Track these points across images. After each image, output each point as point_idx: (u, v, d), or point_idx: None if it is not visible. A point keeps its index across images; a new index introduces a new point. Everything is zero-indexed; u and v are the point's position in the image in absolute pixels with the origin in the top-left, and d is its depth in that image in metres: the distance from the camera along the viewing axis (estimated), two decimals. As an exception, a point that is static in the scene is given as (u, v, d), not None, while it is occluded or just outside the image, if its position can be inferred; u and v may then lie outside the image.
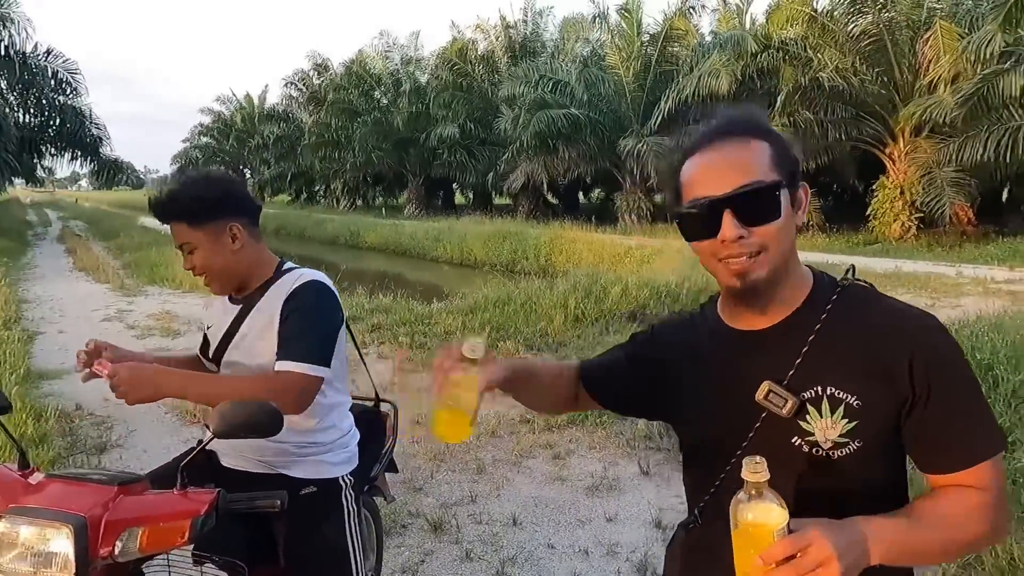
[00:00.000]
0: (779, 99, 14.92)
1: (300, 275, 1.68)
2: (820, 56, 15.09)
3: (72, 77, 20.36)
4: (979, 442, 0.90)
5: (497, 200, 30.49)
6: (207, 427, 1.33)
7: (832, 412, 0.91)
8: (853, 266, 1.02)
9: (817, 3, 15.73)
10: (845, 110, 15.14)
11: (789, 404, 0.92)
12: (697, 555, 1.07)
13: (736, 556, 0.81)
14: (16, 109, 19.88)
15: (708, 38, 19.98)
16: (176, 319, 8.07)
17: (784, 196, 0.92)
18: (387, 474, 2.35)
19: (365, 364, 2.47)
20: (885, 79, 14.91)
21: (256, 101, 43.48)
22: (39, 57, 19.64)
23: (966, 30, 13.39)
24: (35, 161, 22.04)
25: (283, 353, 1.55)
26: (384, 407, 2.35)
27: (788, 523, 0.78)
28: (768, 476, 0.79)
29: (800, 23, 15.89)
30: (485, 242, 17.44)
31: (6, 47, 18.47)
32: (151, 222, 31.17)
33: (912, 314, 0.94)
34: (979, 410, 0.91)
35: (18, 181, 25.60)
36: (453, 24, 29.97)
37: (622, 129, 19.10)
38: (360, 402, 2.21)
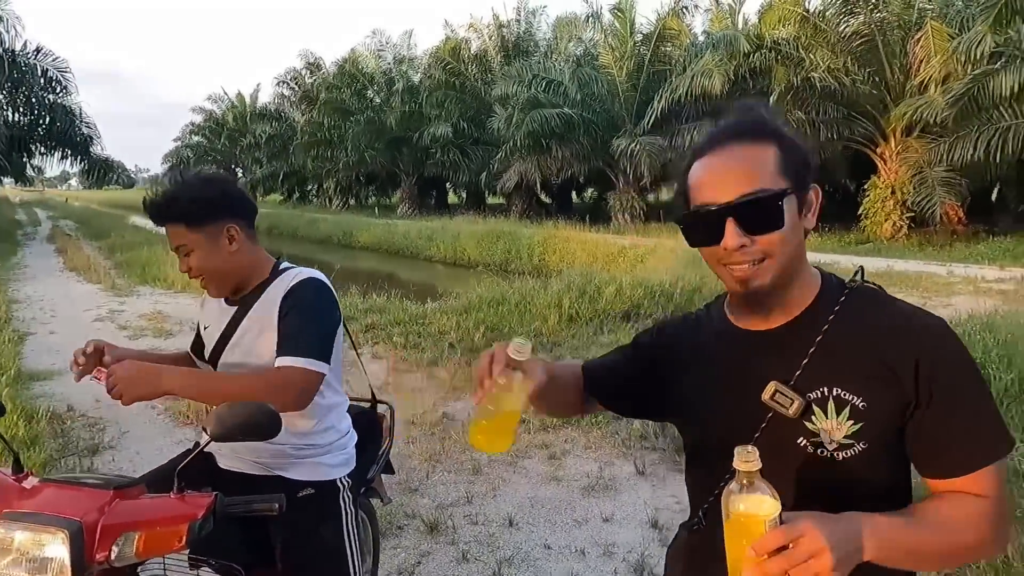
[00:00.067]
0: (771, 99, 14.96)
1: (297, 273, 1.68)
2: (812, 56, 15.15)
3: (62, 75, 20.21)
4: (979, 447, 0.89)
5: (490, 200, 30.47)
6: (204, 430, 1.32)
7: (838, 413, 0.91)
8: (862, 267, 1.02)
9: (809, 3, 15.79)
10: (837, 110, 15.21)
11: (795, 405, 0.92)
12: (701, 556, 1.06)
13: (728, 547, 0.81)
14: (5, 108, 19.72)
15: (701, 38, 20.02)
16: (168, 319, 8.01)
17: (789, 203, 0.91)
18: (383, 475, 2.34)
19: (362, 364, 2.46)
20: (876, 79, 14.99)
21: (248, 100, 43.27)
22: (29, 55, 19.47)
23: (956, 31, 13.47)
24: (24, 160, 21.86)
25: (283, 350, 1.53)
26: (380, 408, 2.34)
27: (780, 514, 0.78)
28: (760, 465, 0.79)
29: (792, 23, 15.93)
30: (478, 242, 17.43)
31: (-5, 45, 18.32)
32: (142, 221, 30.97)
33: (920, 316, 0.94)
34: (982, 415, 0.90)
35: (7, 180, 25.36)
36: (446, 23, 29.93)
37: (615, 129, 19.12)
38: (356, 403, 2.20)
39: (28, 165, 23.25)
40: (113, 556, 1.18)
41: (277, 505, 1.31)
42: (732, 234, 0.90)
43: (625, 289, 8.15)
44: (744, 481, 0.79)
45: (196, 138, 45.91)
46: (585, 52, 22.99)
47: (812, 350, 0.94)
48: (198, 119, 45.54)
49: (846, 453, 0.91)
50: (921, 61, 13.62)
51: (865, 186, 15.45)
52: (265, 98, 41.70)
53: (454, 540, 3.02)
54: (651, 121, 17.97)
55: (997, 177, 14.61)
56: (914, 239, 14.69)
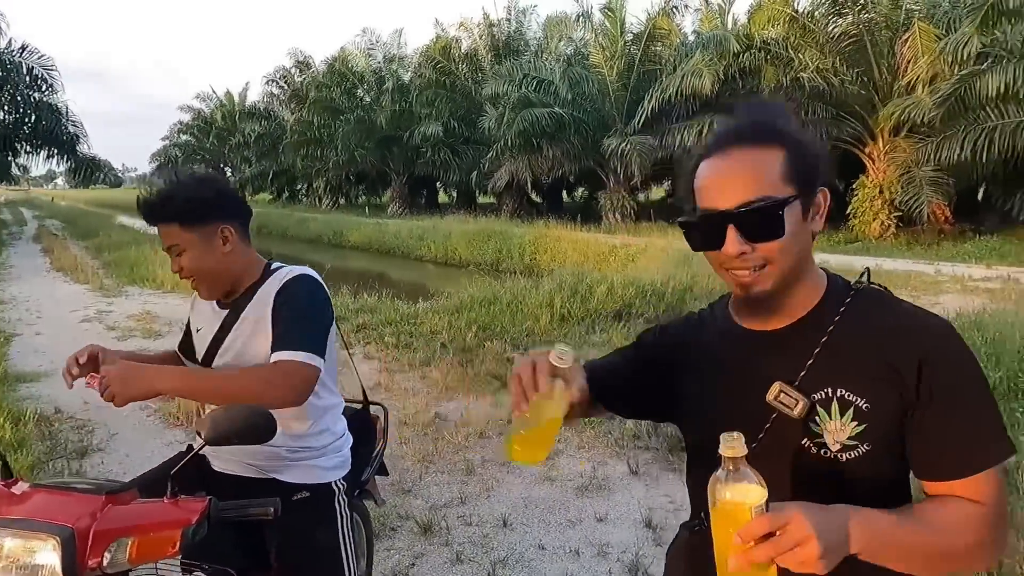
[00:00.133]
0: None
1: (290, 271, 1.67)
2: (801, 56, 15.24)
3: (48, 73, 19.98)
4: (977, 451, 0.88)
5: (481, 199, 30.43)
6: (198, 434, 1.30)
7: (842, 414, 0.91)
8: (868, 269, 1.01)
9: (798, 4, 15.88)
10: (825, 110, 15.30)
11: (800, 405, 0.92)
12: (702, 556, 1.06)
13: (715, 535, 0.80)
14: (-10, 106, 19.49)
15: (691, 38, 20.09)
16: (157, 320, 7.95)
17: (792, 210, 0.91)
18: (376, 477, 2.33)
19: (354, 365, 2.45)
20: (865, 79, 15.09)
21: (237, 99, 42.98)
22: (13, 53, 19.22)
23: (944, 31, 13.59)
24: (9, 159, 21.61)
25: (278, 344, 1.51)
26: (373, 409, 2.33)
27: (767, 502, 0.78)
28: (746, 451, 0.79)
29: (781, 23, 16.02)
30: (469, 241, 17.41)
31: (-21, 43, 18.10)
32: (130, 221, 30.76)
33: (924, 318, 0.93)
34: (983, 418, 0.89)
35: (-8, 179, 25.07)
36: (437, 22, 29.84)
37: (606, 128, 19.14)
38: (349, 405, 2.18)
39: (13, 164, 23.00)
40: (105, 563, 1.16)
41: (272, 509, 1.30)
42: (732, 241, 0.90)
43: (616, 288, 8.17)
44: (730, 467, 0.79)
45: (184, 137, 45.58)
46: (575, 51, 22.99)
47: (817, 351, 0.94)
48: (186, 118, 45.23)
49: (849, 454, 0.91)
50: (909, 61, 13.73)
51: (854, 185, 15.56)
52: (254, 97, 41.59)
53: (448, 541, 3.01)
54: (641, 120, 18.00)
55: (983, 177, 14.74)
56: (902, 238, 14.81)
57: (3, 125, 19.68)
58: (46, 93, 20.32)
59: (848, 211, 15.55)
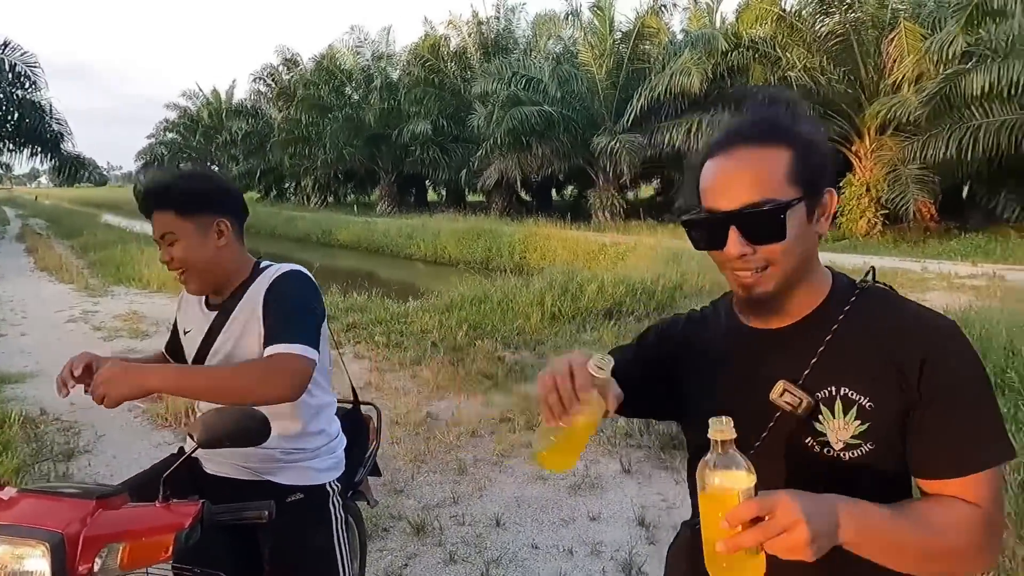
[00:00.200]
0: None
1: (279, 268, 1.65)
2: (788, 55, 15.34)
3: (31, 70, 19.72)
4: (975, 451, 0.87)
5: (470, 197, 30.39)
6: (190, 436, 1.28)
7: (845, 413, 0.90)
8: (873, 268, 1.01)
9: (785, 3, 15.97)
10: (813, 108, 15.36)
11: (804, 404, 0.91)
12: None
13: (703, 520, 0.80)
14: (-29, 104, 19.21)
15: (679, 36, 20.15)
16: (144, 320, 7.87)
17: (796, 213, 0.90)
18: (369, 477, 2.31)
19: (344, 365, 2.43)
20: (851, 78, 15.20)
21: (223, 96, 42.62)
22: (-5, 50, 18.98)
23: (929, 31, 13.71)
24: (-8, 157, 21.33)
25: (272, 338, 1.47)
26: (365, 409, 2.31)
27: (755, 486, 0.77)
28: (734, 435, 0.78)
29: (769, 22, 16.10)
30: (459, 239, 17.38)
31: (-40, 39, 17.83)
32: (115, 220, 30.47)
33: (929, 317, 0.93)
34: (982, 419, 0.88)
35: (-26, 178, 24.70)
36: (425, 20, 29.75)
37: (595, 126, 19.16)
38: (340, 405, 2.16)
39: (-4, 162, 22.70)
40: (96, 569, 1.13)
41: (267, 512, 1.28)
42: (734, 243, 0.90)
43: (607, 287, 8.19)
44: (719, 451, 0.79)
45: (171, 135, 45.12)
46: (564, 50, 23.00)
47: (821, 349, 0.93)
48: (172, 115, 44.78)
49: (852, 453, 0.91)
50: (895, 60, 13.84)
51: (840, 184, 15.67)
52: (241, 94, 41.22)
53: (441, 541, 2.99)
54: (631, 119, 18.04)
55: (968, 175, 14.90)
56: (888, 236, 14.93)
57: (-15, 123, 19.42)
58: (29, 90, 20.07)
59: (835, 209, 15.64)
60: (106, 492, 1.25)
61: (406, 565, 2.83)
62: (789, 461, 0.91)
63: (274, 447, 1.56)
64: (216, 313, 1.64)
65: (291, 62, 33.32)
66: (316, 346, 1.49)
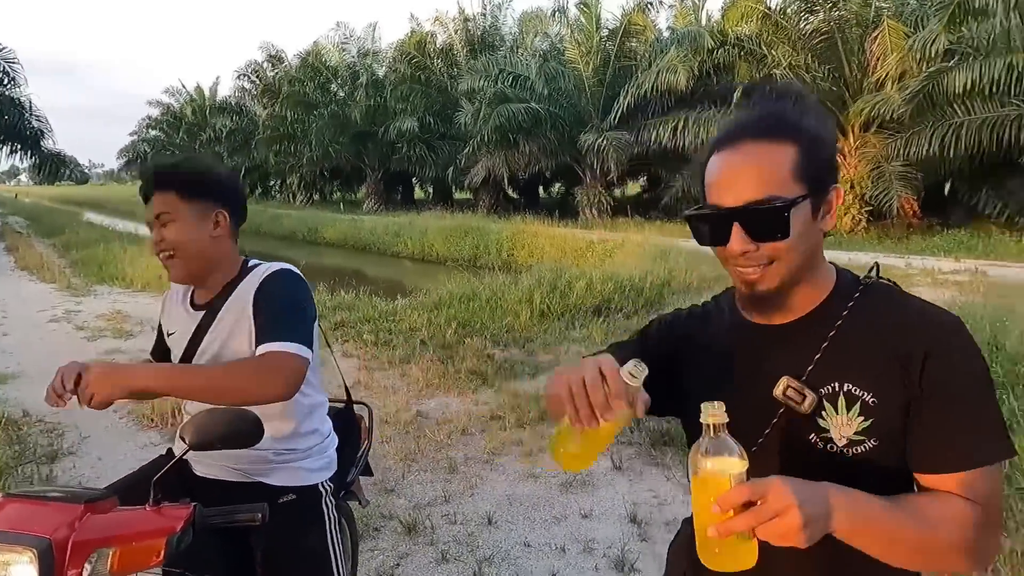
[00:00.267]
0: (735, 95, 15.19)
1: (269, 267, 1.63)
2: (774, 53, 15.42)
3: (9, 66, 19.42)
4: (972, 447, 0.86)
5: (457, 195, 30.30)
6: (182, 438, 1.25)
7: (848, 409, 0.90)
8: (877, 264, 1.01)
9: (770, 1, 16.06)
10: (797, 106, 15.48)
11: (808, 400, 0.91)
12: None
13: (694, 505, 0.80)
14: (-52, 100, 18.88)
15: (666, 34, 20.19)
16: (128, 319, 7.77)
17: (800, 210, 0.89)
18: (361, 477, 2.29)
19: (337, 364, 2.41)
20: (836, 76, 15.31)
21: (207, 93, 42.16)
22: (-27, 45, 18.64)
23: (912, 29, 13.84)
24: (-30, 155, 20.97)
25: (264, 336, 1.45)
26: (357, 408, 2.28)
27: (747, 471, 0.77)
28: (727, 419, 0.78)
29: (754, 20, 16.17)
30: (446, 237, 17.33)
31: (-64, 34, 17.50)
32: (97, 218, 30.08)
33: (933, 313, 0.92)
34: (982, 416, 0.87)
35: (-49, 176, 24.31)
36: (412, 16, 29.58)
37: (582, 124, 19.17)
38: (332, 404, 2.14)
39: (-26, 160, 22.34)
40: (85, 575, 1.11)
41: (260, 514, 1.26)
42: (737, 240, 0.89)
43: (595, 284, 8.20)
44: (711, 435, 0.79)
45: (153, 132, 44.57)
46: (551, 47, 22.98)
47: (825, 345, 0.93)
48: (155, 113, 44.24)
49: (856, 449, 0.90)
50: (878, 59, 13.95)
51: (826, 180, 15.77)
52: (225, 91, 40.77)
53: (433, 540, 2.98)
54: (617, 116, 18.06)
55: (950, 172, 15.06)
56: (872, 232, 15.07)
57: (-37, 120, 19.09)
58: (8, 87, 19.76)
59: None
60: (94, 496, 1.22)
61: (398, 565, 2.82)
62: (792, 457, 0.91)
63: (266, 448, 1.54)
64: (203, 313, 1.61)
65: (276, 59, 33.01)
66: (309, 345, 1.47)
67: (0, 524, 1.13)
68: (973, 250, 12.47)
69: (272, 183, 38.98)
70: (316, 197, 34.21)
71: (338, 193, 35.60)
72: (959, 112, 12.88)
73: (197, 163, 1.63)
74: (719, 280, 9.37)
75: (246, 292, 1.57)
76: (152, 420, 4.39)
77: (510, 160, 20.29)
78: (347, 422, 2.10)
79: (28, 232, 23.29)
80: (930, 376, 0.87)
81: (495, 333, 6.65)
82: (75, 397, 1.36)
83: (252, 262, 1.68)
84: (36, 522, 1.13)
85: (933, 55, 12.71)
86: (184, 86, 43.78)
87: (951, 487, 0.86)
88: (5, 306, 8.77)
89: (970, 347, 0.89)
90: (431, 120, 24.45)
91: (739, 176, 0.90)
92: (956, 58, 12.90)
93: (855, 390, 0.90)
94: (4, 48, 19.26)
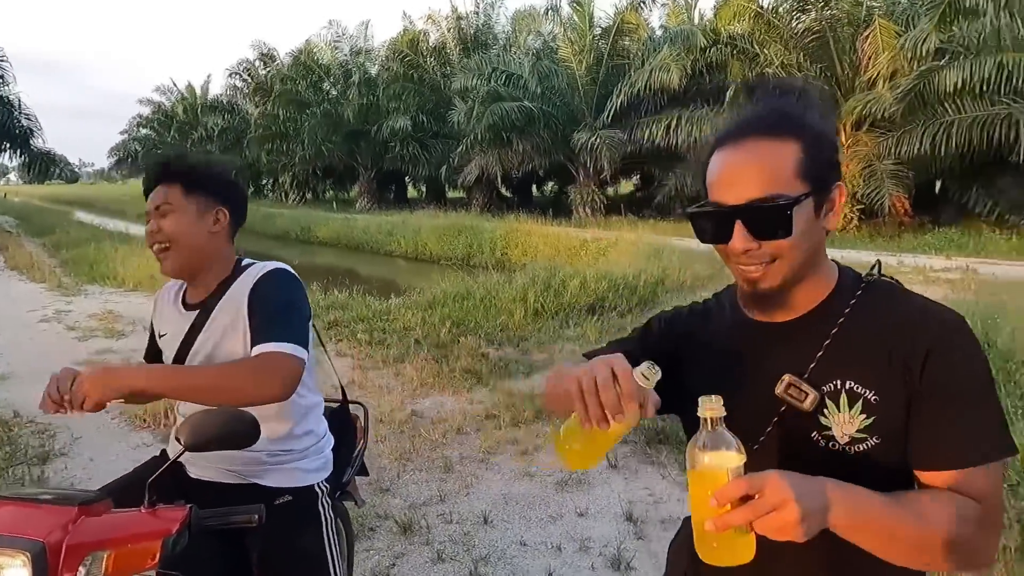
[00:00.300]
0: (728, 94, 15.24)
1: (263, 266, 1.61)
2: (766, 52, 15.47)
3: (-2, 64, 19.26)
4: (973, 445, 0.85)
5: (450, 194, 30.25)
6: (177, 439, 1.24)
7: (850, 407, 0.90)
8: (879, 261, 1.00)
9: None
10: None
11: (810, 398, 0.90)
12: None
13: (692, 499, 0.79)
14: (-64, 98, 18.70)
15: (658, 32, 20.23)
16: (120, 319, 7.72)
17: (803, 208, 0.89)
18: (357, 477, 2.28)
19: (332, 363, 2.40)
20: (828, 75, 15.36)
21: (199, 92, 41.93)
22: (-40, 43, 18.49)
23: (903, 28, 13.91)
24: (-42, 154, 20.81)
25: (260, 336, 1.44)
26: (352, 408, 2.27)
27: (744, 465, 0.77)
28: (724, 412, 0.78)
29: (747, 19, 16.22)
30: (440, 236, 17.30)
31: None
32: (88, 217, 29.86)
33: (935, 310, 0.92)
34: (983, 414, 0.87)
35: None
36: (404, 15, 29.51)
37: (575, 122, 19.18)
38: (327, 403, 2.13)
39: (-38, 159, 22.14)
40: (80, 578, 1.10)
41: (257, 516, 1.25)
42: (739, 238, 0.89)
43: (589, 282, 8.20)
44: (709, 428, 0.78)
45: (144, 131, 44.25)
46: (544, 45, 22.96)
47: (827, 343, 0.92)
48: (146, 111, 43.93)
49: (858, 447, 0.90)
50: (870, 57, 14.01)
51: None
52: (216, 90, 40.61)
53: (428, 540, 2.97)
54: (611, 115, 18.07)
55: (940, 170, 15.15)
56: (864, 231, 15.14)
57: (-49, 118, 18.92)
58: (-3, 85, 19.59)
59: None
60: (88, 498, 1.21)
61: (393, 565, 2.81)
62: (794, 455, 0.91)
63: (261, 449, 1.52)
64: (197, 313, 1.60)
65: (267, 57, 32.88)
66: (305, 345, 1.46)
67: (-7, 527, 1.12)
68: (964, 248, 12.54)
69: (264, 182, 38.81)
70: (309, 196, 34.08)
71: (331, 192, 35.48)
72: (950, 111, 12.95)
73: (204, 159, 1.65)
74: (712, 278, 9.40)
75: (240, 292, 1.56)
76: (144, 421, 4.36)
77: (503, 159, 20.28)
78: (343, 422, 2.09)
79: (17, 231, 23.08)
80: (931, 373, 0.87)
81: (489, 332, 6.64)
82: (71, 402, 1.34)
83: (245, 261, 1.66)
84: (29, 525, 1.12)
85: (924, 54, 12.79)
86: (175, 84, 43.57)
87: (952, 484, 0.86)
88: (-5, 306, 8.69)
89: (972, 345, 0.89)
90: (424, 119, 24.40)
91: (742, 174, 0.89)
92: (947, 57, 12.98)
93: (857, 388, 0.90)
94: (-7, 46, 19.10)
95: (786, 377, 0.92)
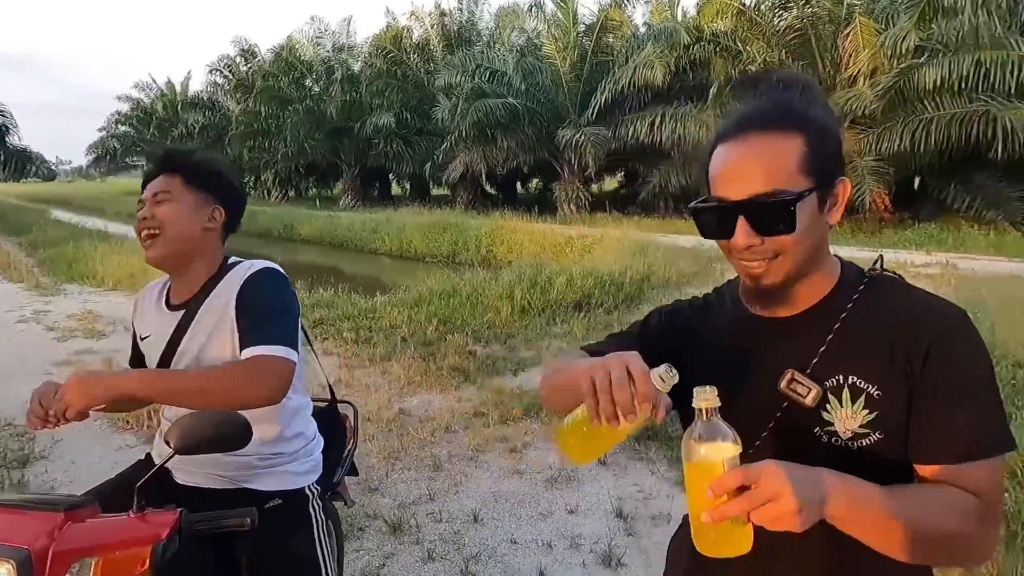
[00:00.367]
0: (711, 91, 15.33)
1: (251, 265, 1.58)
2: (749, 49, 15.58)
3: (-29, 60, 18.86)
4: (972, 439, 0.85)
5: (435, 191, 30.15)
6: (167, 443, 1.21)
7: (853, 402, 0.89)
8: (881, 256, 1.00)
9: (745, -3, 16.22)
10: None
11: (813, 393, 0.90)
12: None
13: (688, 491, 0.79)
14: (-93, 94, 18.27)
15: (642, 29, 20.28)
16: (100, 319, 7.59)
17: (807, 204, 0.88)
18: (347, 477, 2.26)
19: (320, 363, 2.37)
20: (810, 72, 15.48)
21: (178, 88, 41.37)
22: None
23: (883, 26, 14.07)
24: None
25: (249, 340, 1.42)
26: (341, 407, 2.24)
27: (740, 455, 0.77)
28: (719, 403, 0.77)
29: (729, 16, 16.33)
30: (425, 233, 17.22)
31: None
32: (65, 216, 29.36)
33: (938, 305, 0.92)
34: (984, 408, 0.87)
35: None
36: (387, 11, 29.34)
37: (560, 119, 19.18)
38: (315, 403, 2.10)
39: (-66, 157, 21.70)
40: (67, 585, 1.07)
41: (249, 520, 1.22)
42: (742, 233, 0.88)
43: (575, 279, 8.20)
44: (704, 420, 0.78)
45: (123, 128, 43.57)
46: (528, 42, 22.94)
47: (830, 338, 0.92)
48: (125, 108, 43.23)
49: (861, 443, 0.89)
50: (850, 55, 14.16)
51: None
52: (197, 86, 40.02)
53: (418, 539, 2.95)
54: (595, 111, 18.10)
55: (920, 167, 15.35)
56: (845, 226, 15.28)
57: (-78, 115, 18.50)
58: (-30, 81, 19.19)
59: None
60: (74, 503, 1.18)
61: (383, 565, 2.79)
62: (796, 451, 0.90)
63: (251, 453, 1.50)
64: (182, 313, 1.57)
65: (249, 53, 32.52)
66: (296, 347, 1.44)
67: (-25, 535, 1.09)
68: (943, 243, 12.72)
69: (246, 179, 38.27)
70: (291, 194, 33.79)
71: (314, 189, 35.20)
72: (929, 108, 13.12)
73: (209, 157, 1.67)
74: (697, 275, 9.46)
75: (227, 291, 1.53)
76: (127, 422, 4.29)
77: (488, 156, 20.24)
78: (332, 422, 2.07)
79: (-7, 230, 22.65)
80: (933, 368, 0.87)
81: (476, 329, 6.62)
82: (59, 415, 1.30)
83: (232, 260, 1.64)
84: (14, 531, 1.09)
85: (904, 52, 12.95)
86: (155, 81, 42.88)
87: (951, 478, 0.86)
88: (-30, 307, 8.52)
89: (974, 340, 0.89)
90: (408, 116, 24.28)
91: (745, 169, 0.88)
92: (926, 55, 13.14)
93: (860, 383, 0.89)
94: (-35, 41, 18.70)
95: (789, 372, 0.92)
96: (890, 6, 15.08)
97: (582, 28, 19.37)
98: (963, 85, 12.38)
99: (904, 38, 12.74)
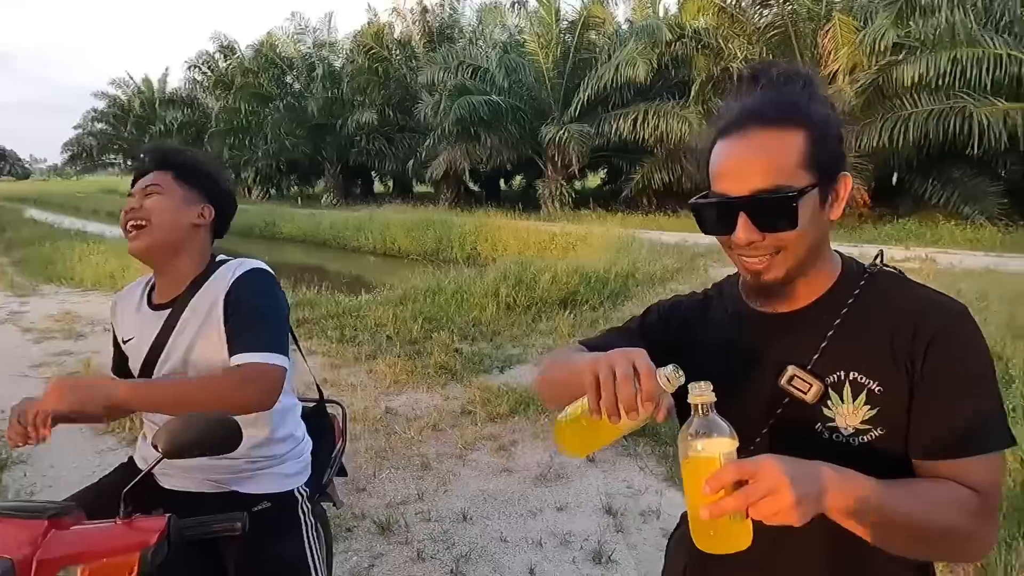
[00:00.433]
0: (693, 88, 15.43)
1: (239, 264, 1.55)
2: (730, 46, 15.67)
3: (-59, 56, 18.42)
4: (973, 434, 0.85)
5: (418, 188, 30.02)
6: (155, 447, 1.18)
7: (854, 398, 0.89)
8: (881, 251, 1.00)
9: (726, -6, 16.31)
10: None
11: (814, 389, 0.89)
12: None
13: (686, 487, 0.78)
14: None
15: (624, 26, 20.33)
16: (79, 320, 7.46)
17: (808, 200, 0.87)
18: (335, 478, 2.23)
19: (307, 362, 2.34)
20: (790, 69, 15.63)
21: (156, 85, 40.77)
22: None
23: (862, 24, 14.22)
24: (-100, 149, 19.86)
25: (239, 346, 1.39)
26: (330, 408, 2.22)
27: (737, 449, 0.76)
28: (714, 398, 0.76)
29: (711, 14, 16.42)
30: (409, 231, 17.12)
31: None
32: (41, 215, 28.83)
33: (938, 301, 0.92)
34: (984, 404, 0.86)
35: None
36: (369, 7, 29.17)
37: (543, 116, 19.17)
38: (303, 403, 2.07)
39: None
40: (52, 595, 1.04)
41: (239, 524, 1.20)
42: (743, 229, 0.87)
43: (561, 276, 8.19)
44: (700, 414, 0.77)
45: (99, 125, 42.85)
46: (511, 39, 22.90)
47: (831, 333, 0.91)
48: (101, 105, 42.52)
49: (862, 439, 0.89)
50: (830, 52, 14.28)
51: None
52: (175, 83, 39.51)
53: (408, 539, 2.93)
54: (578, 108, 18.11)
55: (898, 163, 15.55)
56: (826, 222, 15.48)
57: None
58: (-60, 77, 18.76)
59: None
60: (58, 510, 1.15)
61: (372, 565, 2.76)
62: (797, 448, 0.89)
63: (240, 456, 1.47)
64: (168, 313, 1.53)
65: (228, 49, 32.12)
66: (286, 352, 1.42)
67: (-45, 545, 1.05)
68: (922, 239, 12.89)
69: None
70: (272, 192, 33.43)
71: (295, 187, 34.87)
72: (907, 104, 13.29)
73: (205, 157, 1.68)
74: (682, 271, 9.51)
75: (214, 290, 1.49)
76: (108, 425, 4.21)
77: (471, 153, 20.19)
78: (320, 422, 2.04)
79: (-34, 230, 22.18)
80: (933, 362, 0.87)
81: (462, 327, 6.60)
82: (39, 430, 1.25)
83: (220, 257, 1.60)
84: (-5, 541, 1.05)
85: (882, 49, 13.09)
86: (131, 77, 42.32)
87: (950, 474, 0.86)
88: (-57, 308, 8.33)
89: (974, 335, 0.88)
90: (390, 112, 24.15)
91: (746, 164, 0.87)
92: (904, 52, 13.30)
93: (861, 379, 0.89)
94: (-65, 36, 18.27)
95: (790, 368, 0.91)
96: (868, 4, 15.24)
97: (565, 25, 19.36)
98: (940, 82, 12.56)
99: (882, 36, 12.88)
